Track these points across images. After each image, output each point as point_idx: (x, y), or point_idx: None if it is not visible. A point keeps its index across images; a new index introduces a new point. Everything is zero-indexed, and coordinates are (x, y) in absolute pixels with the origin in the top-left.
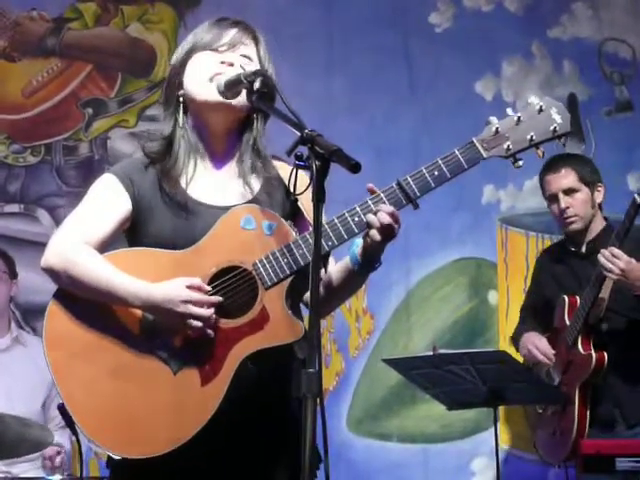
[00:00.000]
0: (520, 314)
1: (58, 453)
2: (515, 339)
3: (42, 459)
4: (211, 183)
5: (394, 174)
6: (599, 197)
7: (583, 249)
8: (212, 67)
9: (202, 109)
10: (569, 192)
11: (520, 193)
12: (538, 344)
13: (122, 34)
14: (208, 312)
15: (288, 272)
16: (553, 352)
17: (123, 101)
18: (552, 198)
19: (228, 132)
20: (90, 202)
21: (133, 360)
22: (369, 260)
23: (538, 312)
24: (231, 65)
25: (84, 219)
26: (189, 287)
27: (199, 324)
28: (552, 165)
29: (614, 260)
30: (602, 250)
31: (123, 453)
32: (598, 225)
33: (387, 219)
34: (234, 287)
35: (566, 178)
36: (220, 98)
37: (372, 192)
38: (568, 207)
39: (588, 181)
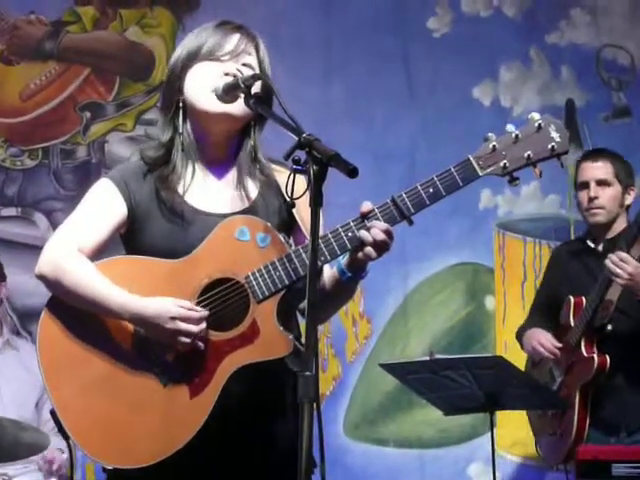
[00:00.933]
0: (529, 310)
1: (55, 458)
2: (519, 336)
3: (42, 461)
4: (209, 190)
5: (392, 179)
6: (629, 199)
7: (600, 247)
8: (215, 79)
9: (203, 118)
10: (601, 183)
11: (517, 198)
12: (542, 340)
13: (120, 38)
14: (197, 329)
15: (280, 286)
16: (559, 346)
17: (121, 105)
18: (583, 185)
19: (228, 140)
20: (85, 207)
21: (124, 371)
22: (355, 271)
23: (549, 309)
24: (234, 77)
25: (79, 225)
26: (179, 305)
27: (188, 341)
28: (592, 154)
29: (622, 265)
30: (609, 255)
31: (110, 462)
32: (620, 225)
33: (381, 235)
34: (226, 299)
35: (602, 169)
36: (222, 109)
37: (364, 215)
38: (597, 197)
39: (622, 180)
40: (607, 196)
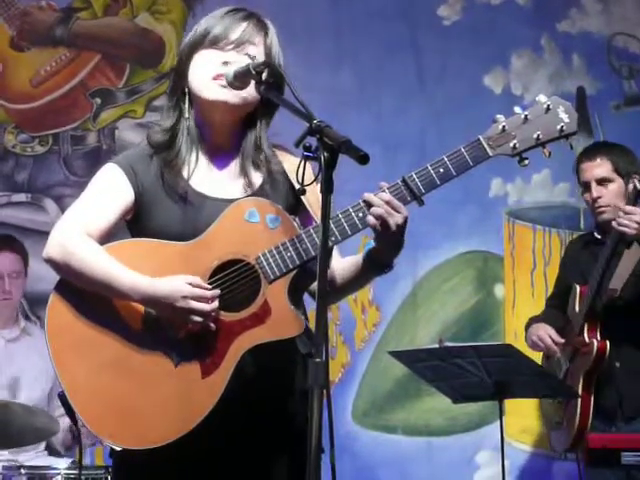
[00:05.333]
0: (545, 303)
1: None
2: (526, 328)
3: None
4: (213, 177)
5: (402, 167)
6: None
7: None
8: (214, 67)
9: (203, 105)
10: (602, 182)
11: (528, 186)
12: (541, 335)
13: (131, 24)
14: (209, 307)
15: (291, 266)
16: (561, 341)
17: (131, 91)
18: (586, 186)
19: (230, 128)
20: (92, 192)
21: (135, 351)
22: (380, 261)
23: (563, 301)
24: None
25: (86, 209)
26: (190, 283)
27: (200, 319)
28: (589, 153)
29: (629, 216)
30: (618, 213)
31: (122, 444)
32: None
33: (378, 210)
34: (237, 280)
35: (600, 167)
36: (217, 97)
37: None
38: (600, 197)
39: (623, 172)
40: (610, 194)
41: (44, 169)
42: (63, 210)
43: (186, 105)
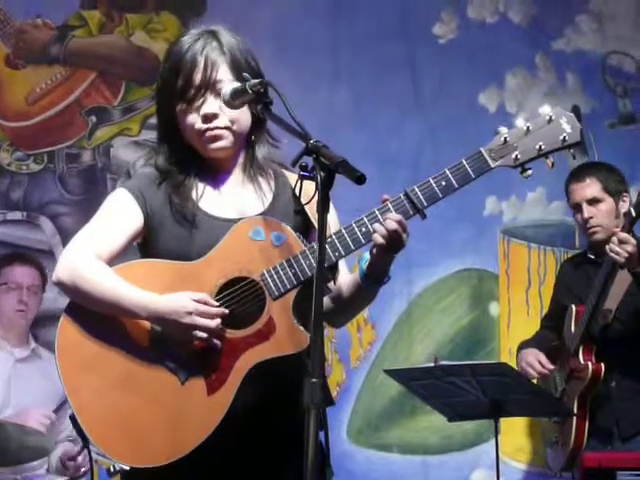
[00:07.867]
0: (540, 324)
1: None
2: (518, 351)
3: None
4: (222, 196)
5: (398, 185)
6: (624, 207)
7: (602, 259)
8: (198, 127)
9: (206, 153)
10: (593, 202)
11: (523, 205)
12: (530, 360)
13: (126, 42)
14: (214, 323)
15: (295, 283)
16: (551, 367)
17: (127, 109)
18: (576, 207)
19: (233, 154)
20: (102, 216)
21: (142, 370)
22: (377, 274)
23: (557, 320)
24: (215, 116)
25: (96, 233)
26: (195, 300)
27: (204, 335)
28: (577, 174)
29: (622, 245)
30: (612, 238)
31: (131, 463)
32: None
33: (393, 224)
34: (242, 297)
35: (590, 188)
36: (219, 149)
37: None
38: (591, 217)
39: (613, 191)
40: (601, 213)
41: (39, 187)
42: (58, 228)
43: (180, 142)
